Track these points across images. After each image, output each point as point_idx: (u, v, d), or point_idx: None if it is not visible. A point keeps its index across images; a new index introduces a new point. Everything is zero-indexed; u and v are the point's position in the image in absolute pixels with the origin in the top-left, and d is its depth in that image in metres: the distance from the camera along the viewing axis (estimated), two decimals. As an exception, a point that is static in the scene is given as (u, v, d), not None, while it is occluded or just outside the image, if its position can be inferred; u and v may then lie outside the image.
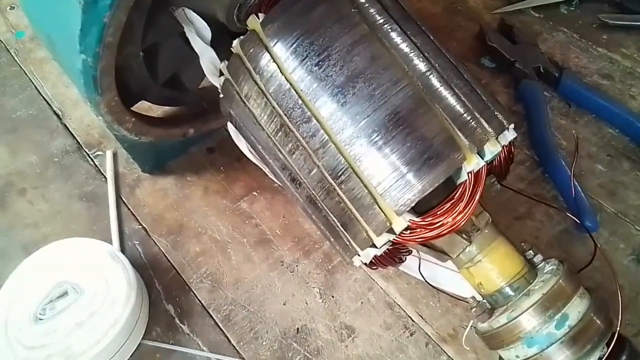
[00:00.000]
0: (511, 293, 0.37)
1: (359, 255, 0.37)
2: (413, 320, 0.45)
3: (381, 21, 0.36)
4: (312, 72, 0.35)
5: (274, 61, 0.36)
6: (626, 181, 0.51)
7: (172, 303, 0.47)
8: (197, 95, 0.53)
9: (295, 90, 0.36)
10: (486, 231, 0.38)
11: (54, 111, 0.61)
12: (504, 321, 0.36)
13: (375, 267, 0.40)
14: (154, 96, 0.48)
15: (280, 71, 0.36)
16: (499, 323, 0.36)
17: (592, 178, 0.52)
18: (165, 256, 0.50)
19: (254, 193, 0.54)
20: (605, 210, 0.50)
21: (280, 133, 0.37)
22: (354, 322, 0.45)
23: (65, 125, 0.60)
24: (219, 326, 0.46)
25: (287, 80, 0.36)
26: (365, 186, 0.35)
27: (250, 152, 0.44)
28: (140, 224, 0.52)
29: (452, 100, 0.35)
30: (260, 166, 0.44)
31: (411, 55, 0.36)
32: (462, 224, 0.34)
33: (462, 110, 0.35)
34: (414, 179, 0.33)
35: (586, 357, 0.34)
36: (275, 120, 0.37)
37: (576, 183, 0.48)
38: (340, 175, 0.35)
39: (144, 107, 0.50)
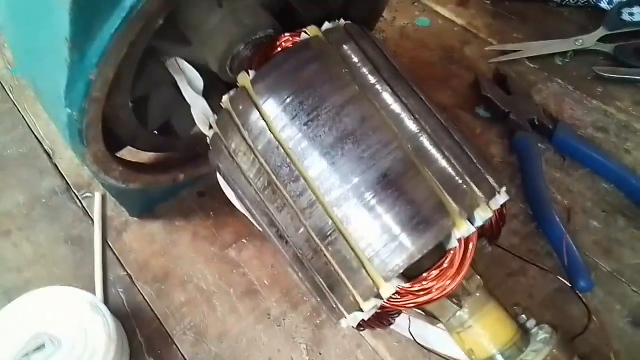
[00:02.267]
0: (502, 362, 0.35)
1: (345, 318, 0.36)
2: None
3: (372, 81, 0.36)
4: (301, 131, 0.35)
5: (263, 118, 0.36)
6: (622, 239, 0.50)
7: (153, 356, 0.46)
8: (189, 141, 0.52)
9: (283, 149, 0.35)
10: (477, 295, 0.36)
11: (45, 150, 0.61)
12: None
13: (363, 329, 0.39)
14: (143, 143, 0.48)
15: (269, 129, 0.36)
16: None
17: (586, 234, 0.51)
18: (149, 305, 0.49)
19: (243, 240, 0.53)
20: (600, 269, 0.49)
21: (267, 190, 0.37)
22: (341, 381, 0.44)
23: (55, 165, 0.59)
24: (200, 383, 0.44)
25: (276, 138, 0.35)
26: (352, 249, 0.34)
27: (239, 203, 0.43)
28: (125, 271, 0.51)
29: (442, 163, 0.34)
30: (249, 218, 0.43)
31: (402, 116, 0.35)
32: (452, 290, 0.33)
33: (452, 174, 0.34)
34: (403, 245, 0.33)
35: None
36: (262, 176, 0.37)
37: (570, 241, 0.47)
38: (328, 237, 0.34)
39: (133, 151, 0.50)
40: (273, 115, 0.35)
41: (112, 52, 0.31)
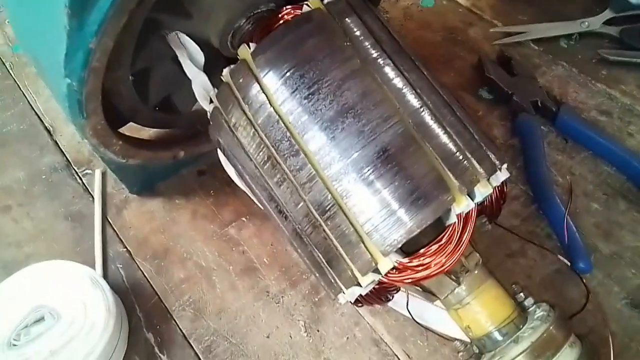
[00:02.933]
0: (500, 338, 0.35)
1: (344, 293, 0.36)
2: (399, 359, 0.44)
3: (374, 55, 0.36)
4: (302, 105, 0.35)
5: (263, 92, 0.36)
6: (622, 221, 0.50)
7: (152, 331, 0.46)
8: (190, 118, 0.52)
9: (283, 122, 0.35)
10: (476, 272, 0.37)
11: (45, 127, 0.61)
12: (492, 369, 0.35)
13: (361, 305, 0.39)
14: (144, 119, 0.47)
15: (270, 102, 0.35)
16: (487, 371, 0.35)
17: (587, 217, 0.51)
18: (149, 281, 0.49)
19: (243, 219, 0.53)
20: (600, 251, 0.48)
21: (267, 164, 0.37)
22: (339, 358, 0.44)
23: (56, 142, 0.59)
24: (199, 358, 0.44)
25: (276, 112, 0.35)
26: (351, 224, 0.34)
27: (239, 179, 0.43)
28: (125, 247, 0.51)
29: (443, 138, 0.34)
30: (249, 194, 0.43)
31: (404, 91, 0.35)
32: (451, 266, 0.33)
33: (453, 150, 0.34)
34: (402, 220, 0.33)
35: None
36: (263, 151, 0.37)
37: (571, 222, 0.47)
38: (327, 211, 0.34)
39: (135, 127, 0.50)
40: (273, 88, 0.35)
41: (111, 20, 0.31)
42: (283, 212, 0.37)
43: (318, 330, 0.46)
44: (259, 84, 0.36)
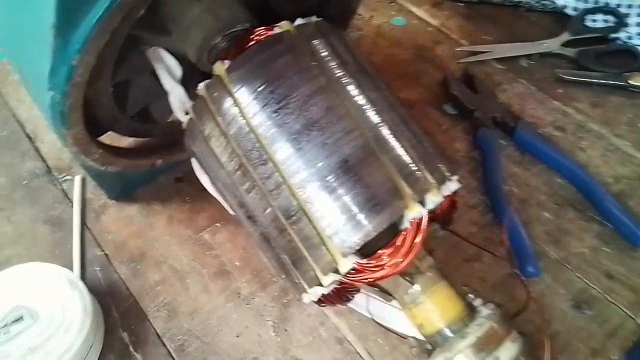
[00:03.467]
0: (450, 335, 0.39)
1: (307, 293, 0.39)
2: (361, 357, 0.46)
3: (339, 74, 0.39)
4: (271, 118, 0.38)
5: (236, 105, 0.38)
6: (570, 229, 0.54)
7: (127, 331, 0.48)
8: (167, 128, 0.55)
9: (254, 134, 0.38)
10: (429, 274, 0.40)
11: (27, 134, 0.63)
12: (441, 362, 0.38)
13: (324, 305, 0.42)
14: (122, 128, 0.50)
15: (242, 115, 0.38)
16: (436, 364, 0.38)
17: (539, 225, 0.54)
18: (125, 283, 0.51)
19: (217, 224, 0.55)
20: (549, 257, 0.52)
21: (238, 172, 0.39)
22: (305, 356, 0.47)
23: (37, 149, 0.61)
24: (172, 356, 0.47)
25: (247, 124, 0.38)
26: (314, 228, 0.37)
27: (212, 186, 0.46)
28: (103, 251, 0.53)
29: (399, 151, 0.37)
30: (220, 201, 0.46)
31: (364, 108, 0.38)
32: (404, 267, 0.36)
33: (408, 161, 0.37)
34: (360, 224, 0.36)
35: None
36: (234, 160, 0.39)
37: (522, 230, 0.51)
38: (292, 216, 0.37)
39: (115, 136, 0.52)
40: (245, 102, 0.38)
41: (94, 39, 0.33)
42: (252, 217, 0.40)
43: (286, 330, 0.48)
44: (232, 98, 0.39)
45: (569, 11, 0.74)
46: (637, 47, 0.69)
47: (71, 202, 0.56)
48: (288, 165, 0.37)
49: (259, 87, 0.38)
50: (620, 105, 0.65)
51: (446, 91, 0.65)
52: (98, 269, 0.52)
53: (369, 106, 0.39)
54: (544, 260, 0.51)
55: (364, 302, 0.44)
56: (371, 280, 0.37)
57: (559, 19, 0.75)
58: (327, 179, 0.36)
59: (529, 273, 0.49)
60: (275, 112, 0.38)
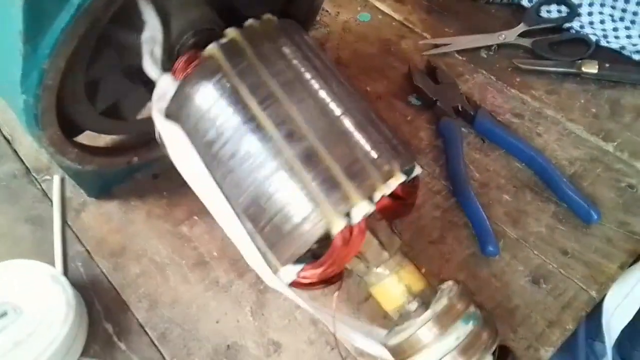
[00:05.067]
0: (412, 310, 0.42)
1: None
2: (334, 337, 0.49)
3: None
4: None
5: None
6: (528, 210, 0.58)
7: (111, 322, 0.50)
8: (140, 124, 0.56)
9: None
10: (394, 255, 0.42)
11: (4, 136, 0.64)
12: (405, 336, 0.41)
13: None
14: (96, 126, 0.51)
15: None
16: (401, 338, 0.41)
17: (498, 207, 0.58)
18: (107, 277, 0.53)
19: (195, 217, 0.57)
20: (508, 236, 0.56)
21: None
22: (281, 338, 0.49)
23: (15, 150, 0.62)
24: (154, 344, 0.49)
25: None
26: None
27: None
28: (84, 247, 0.55)
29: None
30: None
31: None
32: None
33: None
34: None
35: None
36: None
37: (482, 212, 0.54)
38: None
39: (90, 135, 0.54)
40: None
41: (63, 44, 0.35)
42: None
43: (263, 314, 0.51)
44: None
45: (525, 3, 0.78)
46: (589, 35, 0.73)
47: (51, 201, 0.58)
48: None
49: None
50: (573, 92, 0.69)
51: (411, 83, 0.68)
52: (80, 264, 0.54)
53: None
54: (503, 240, 0.55)
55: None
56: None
57: (516, 11, 0.79)
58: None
59: (489, 252, 0.52)
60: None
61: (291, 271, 0.40)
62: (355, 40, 0.76)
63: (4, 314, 0.46)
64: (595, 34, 0.73)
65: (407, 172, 0.42)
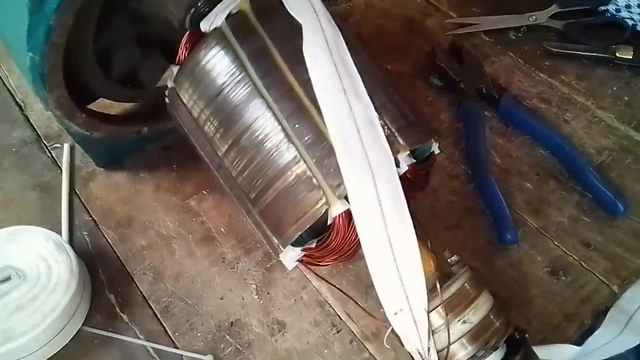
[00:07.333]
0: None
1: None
2: (340, 319, 0.48)
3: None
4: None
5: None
6: (551, 199, 0.55)
7: (114, 293, 0.49)
8: (154, 93, 0.55)
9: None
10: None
11: (17, 102, 0.63)
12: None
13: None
14: (109, 94, 0.50)
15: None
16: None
17: (520, 195, 0.55)
18: (112, 248, 0.52)
19: (204, 192, 0.56)
20: (528, 225, 0.53)
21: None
22: (286, 318, 0.48)
23: (27, 117, 0.62)
24: (157, 317, 0.48)
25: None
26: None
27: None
28: (91, 216, 0.54)
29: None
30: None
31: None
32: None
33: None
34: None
35: (485, 353, 0.38)
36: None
37: (502, 199, 0.52)
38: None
39: (104, 103, 0.53)
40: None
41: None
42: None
43: (268, 293, 0.49)
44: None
45: (559, -17, 0.74)
46: (625, 19, 0.69)
47: (60, 169, 0.57)
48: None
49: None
50: (605, 78, 0.65)
51: (433, 63, 0.65)
52: (86, 233, 0.53)
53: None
54: (523, 229, 0.52)
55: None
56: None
57: (549, -9, 0.75)
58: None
59: (508, 240, 0.50)
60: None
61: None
62: (378, 16, 0.73)
63: (7, 279, 0.46)
64: (632, 18, 0.69)
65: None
